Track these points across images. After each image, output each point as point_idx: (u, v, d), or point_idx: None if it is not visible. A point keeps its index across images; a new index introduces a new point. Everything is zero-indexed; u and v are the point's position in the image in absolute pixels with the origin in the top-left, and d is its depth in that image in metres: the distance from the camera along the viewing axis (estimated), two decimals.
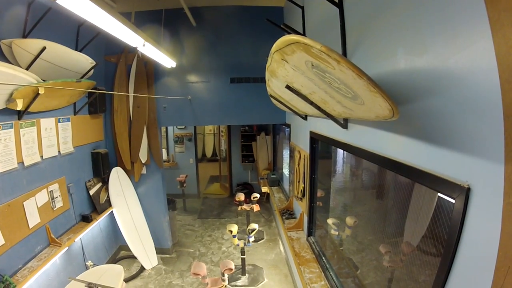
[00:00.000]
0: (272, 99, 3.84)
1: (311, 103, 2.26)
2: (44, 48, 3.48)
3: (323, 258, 3.59)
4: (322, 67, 1.40)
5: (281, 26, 2.73)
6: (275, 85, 2.75)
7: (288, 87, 2.19)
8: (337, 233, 3.36)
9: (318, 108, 2.29)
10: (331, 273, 3.29)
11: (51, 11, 3.67)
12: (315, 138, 3.73)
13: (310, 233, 4.13)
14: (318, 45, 1.20)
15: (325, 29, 3.09)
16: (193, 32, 5.84)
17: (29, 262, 3.73)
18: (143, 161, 6.25)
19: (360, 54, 2.25)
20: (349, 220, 3.03)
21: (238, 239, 5.38)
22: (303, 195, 4.31)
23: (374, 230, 2.75)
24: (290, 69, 1.80)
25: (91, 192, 5.46)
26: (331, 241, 3.65)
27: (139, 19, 5.13)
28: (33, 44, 3.43)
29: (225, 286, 4.43)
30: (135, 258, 5.97)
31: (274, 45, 1.56)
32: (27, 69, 3.51)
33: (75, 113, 5.03)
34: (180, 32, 5.82)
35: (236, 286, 5.43)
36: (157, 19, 5.41)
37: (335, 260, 3.44)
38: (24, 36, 3.60)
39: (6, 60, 3.35)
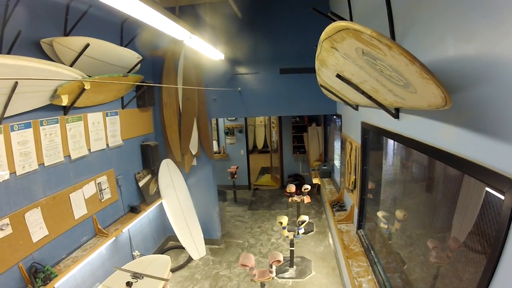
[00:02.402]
0: (322, 89, 3.75)
1: (362, 92, 2.22)
2: (87, 45, 3.54)
3: (372, 252, 3.48)
4: (373, 53, 1.38)
5: (328, 14, 2.63)
6: (325, 75, 2.73)
7: (338, 76, 2.17)
8: (386, 226, 3.25)
9: (370, 97, 2.24)
10: (378, 267, 3.18)
11: (92, 8, 3.72)
12: (366, 129, 3.62)
13: (360, 226, 4.03)
14: (369, 31, 1.17)
15: (372, 17, 2.95)
16: (239, 23, 5.74)
17: (74, 252, 3.87)
18: (193, 153, 6.29)
19: (409, 41, 2.13)
20: (399, 213, 2.91)
21: (288, 231, 5.30)
22: (354, 187, 4.20)
23: (423, 224, 2.67)
24: (340, 57, 1.79)
25: (140, 183, 5.60)
26: (380, 235, 3.54)
27: (184, 13, 5.12)
28: (75, 41, 3.50)
29: (272, 278, 4.38)
30: (183, 248, 6.07)
31: (323, 33, 1.53)
32: (71, 65, 3.60)
33: (123, 107, 5.15)
34: (226, 24, 5.71)
35: (283, 278, 5.37)
36: (202, 12, 5.38)
37: (383, 254, 3.33)
38: (66, 34, 3.68)
39: (48, 58, 3.44)
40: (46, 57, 3.43)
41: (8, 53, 2.91)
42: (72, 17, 3.69)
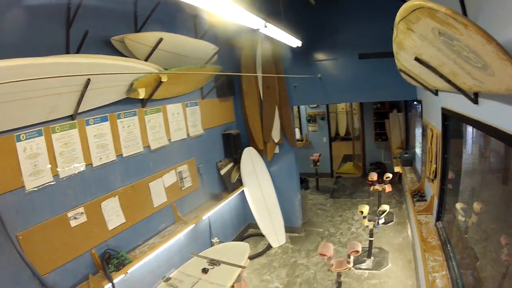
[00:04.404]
0: (402, 73, 3.54)
1: (441, 76, 2.05)
2: (160, 40, 3.43)
3: (448, 245, 3.14)
4: (450, 33, 1.29)
5: None
6: (403, 58, 2.59)
7: (417, 59, 2.06)
8: (463, 219, 2.92)
9: (449, 81, 2.05)
10: (453, 262, 2.88)
11: (163, 3, 3.55)
12: (446, 115, 3.27)
13: (438, 218, 3.63)
14: (443, 8, 1.10)
15: None
16: (313, 10, 5.31)
17: (151, 239, 3.83)
18: (275, 141, 6.06)
19: (482, 20, 1.78)
20: (476, 206, 2.64)
21: (368, 221, 4.95)
22: (435, 177, 3.78)
23: (498, 218, 2.43)
24: (417, 39, 1.69)
25: (222, 172, 5.51)
26: (457, 228, 3.18)
27: (256, 2, 4.84)
28: (148, 37, 3.39)
29: (349, 269, 4.11)
30: (263, 236, 5.89)
31: (398, 14, 1.46)
32: (146, 60, 3.52)
33: (203, 97, 5.07)
34: (300, 12, 5.38)
35: (360, 269, 5.01)
36: (274, 1, 5.05)
37: (458, 249, 3.01)
38: (137, 30, 3.59)
39: (121, 55, 3.39)
40: (118, 53, 3.37)
41: (77, 52, 2.88)
42: (142, 14, 3.58)
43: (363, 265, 5.07)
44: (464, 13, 2.00)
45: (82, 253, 3.01)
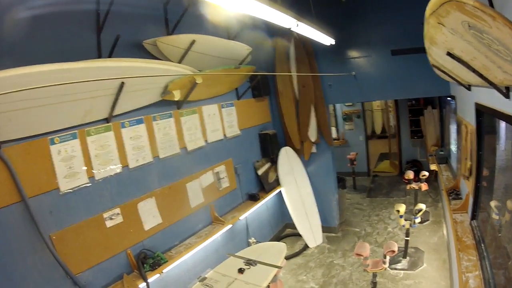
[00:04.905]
0: (434, 69, 3.38)
1: (473, 70, 1.99)
2: (193, 41, 3.32)
3: (482, 245, 3.01)
4: (479, 26, 1.28)
5: None
6: (435, 54, 2.52)
7: (449, 54, 2.03)
8: (497, 217, 2.78)
9: (480, 75, 1.98)
10: (486, 262, 2.74)
11: (192, 6, 3.45)
12: (480, 110, 3.11)
13: (473, 216, 3.43)
14: (471, 1, 1.10)
15: None
16: (343, 7, 5.08)
17: (187, 239, 3.73)
18: (312, 140, 5.83)
19: (508, 13, 1.63)
20: (509, 204, 2.51)
21: (405, 220, 4.67)
22: (470, 174, 3.56)
23: None
24: (448, 33, 1.68)
25: (259, 172, 5.35)
26: (492, 226, 3.05)
27: (286, 1, 4.67)
28: (180, 39, 3.29)
29: (385, 269, 3.94)
30: (300, 236, 5.67)
31: (427, 8, 1.47)
32: (179, 62, 3.43)
33: (238, 97, 4.94)
34: (330, 9, 5.12)
35: (395, 269, 4.73)
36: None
37: (492, 248, 2.88)
38: (169, 33, 3.49)
39: (153, 58, 3.31)
40: (151, 56, 3.30)
41: (109, 56, 2.82)
42: (172, 19, 3.50)
43: (399, 265, 4.81)
44: (491, 5, 1.83)
45: (117, 253, 2.96)
